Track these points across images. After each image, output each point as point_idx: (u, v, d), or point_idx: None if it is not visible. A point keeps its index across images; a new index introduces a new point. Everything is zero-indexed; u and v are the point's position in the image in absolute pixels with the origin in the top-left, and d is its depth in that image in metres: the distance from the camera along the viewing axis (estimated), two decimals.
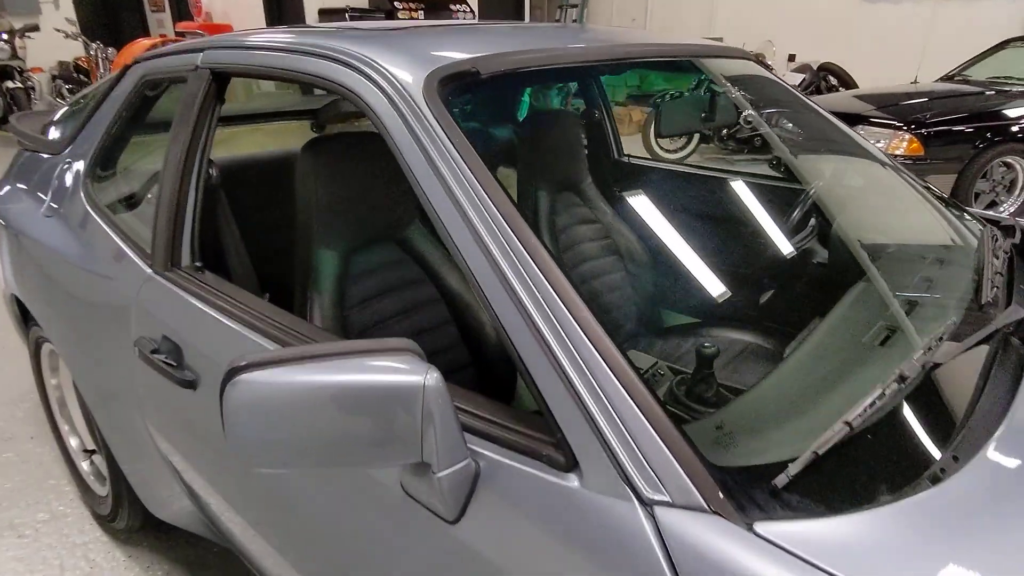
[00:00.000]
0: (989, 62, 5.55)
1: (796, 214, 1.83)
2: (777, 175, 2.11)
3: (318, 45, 1.09)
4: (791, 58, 8.16)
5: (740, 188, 2.24)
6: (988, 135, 4.44)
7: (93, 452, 1.97)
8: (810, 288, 1.93)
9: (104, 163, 1.67)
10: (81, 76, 8.42)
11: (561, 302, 0.76)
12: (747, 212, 2.11)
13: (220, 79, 1.33)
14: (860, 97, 5.22)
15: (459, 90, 0.97)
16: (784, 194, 2.09)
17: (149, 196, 1.45)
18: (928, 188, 1.65)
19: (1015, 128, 4.48)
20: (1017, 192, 4.67)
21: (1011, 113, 4.52)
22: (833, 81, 7.08)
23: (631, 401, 0.68)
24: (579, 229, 2.11)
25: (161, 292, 1.27)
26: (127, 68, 1.65)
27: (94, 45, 7.87)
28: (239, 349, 1.09)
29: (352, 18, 10.07)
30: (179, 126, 1.34)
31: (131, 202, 1.55)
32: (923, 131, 4.41)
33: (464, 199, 0.85)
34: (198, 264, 1.29)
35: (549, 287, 0.77)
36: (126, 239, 1.43)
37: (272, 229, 1.96)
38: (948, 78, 5.75)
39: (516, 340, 0.77)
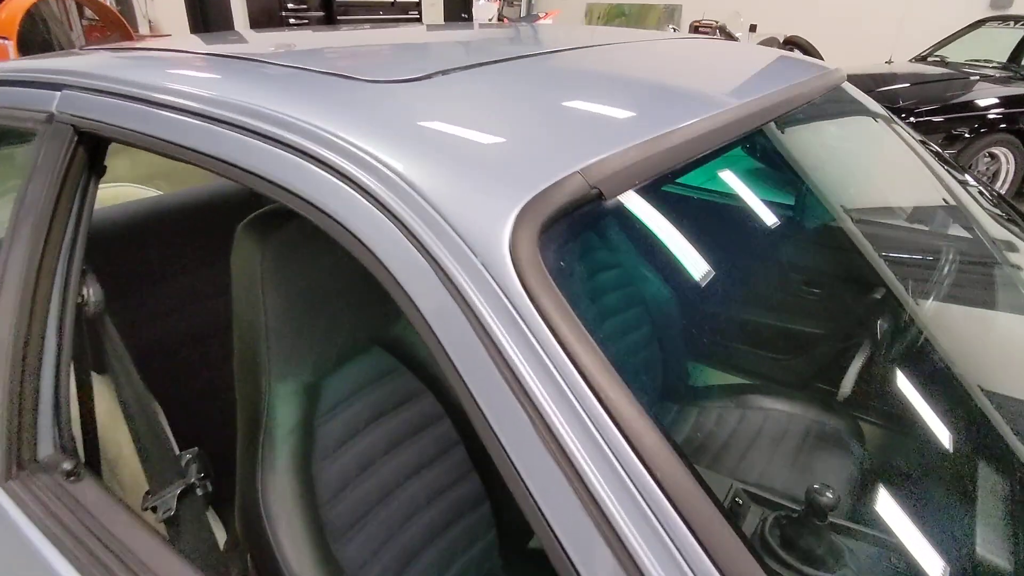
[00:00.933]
0: (964, 42, 5.34)
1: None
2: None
3: (277, 122, 0.57)
4: (752, 28, 7.80)
5: (792, 223, 1.83)
6: (976, 125, 4.22)
7: None
8: (893, 364, 1.56)
9: None
10: None
11: None
12: (814, 258, 1.71)
13: (92, 141, 0.79)
14: None
15: (570, 236, 0.49)
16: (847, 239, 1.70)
17: None
18: None
19: (1002, 117, 4.26)
20: (1000, 183, 4.50)
21: (998, 101, 4.30)
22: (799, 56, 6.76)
23: None
24: (600, 278, 1.67)
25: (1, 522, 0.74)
26: None
27: None
28: None
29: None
30: (24, 215, 0.80)
31: None
32: (913, 120, 4.13)
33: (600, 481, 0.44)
34: (67, 467, 0.76)
35: None
36: None
37: (195, 315, 1.42)
38: (922, 58, 5.52)
39: None
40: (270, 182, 0.55)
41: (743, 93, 0.79)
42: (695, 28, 7.43)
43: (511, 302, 0.43)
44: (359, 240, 0.49)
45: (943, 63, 5.22)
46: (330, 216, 0.51)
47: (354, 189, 0.50)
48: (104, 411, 1.10)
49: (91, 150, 0.79)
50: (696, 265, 1.09)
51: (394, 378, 1.13)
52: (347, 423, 1.04)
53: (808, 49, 6.76)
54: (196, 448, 1.01)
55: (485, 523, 1.19)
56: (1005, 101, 4.29)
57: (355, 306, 1.01)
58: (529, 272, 0.43)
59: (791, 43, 6.84)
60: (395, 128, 0.55)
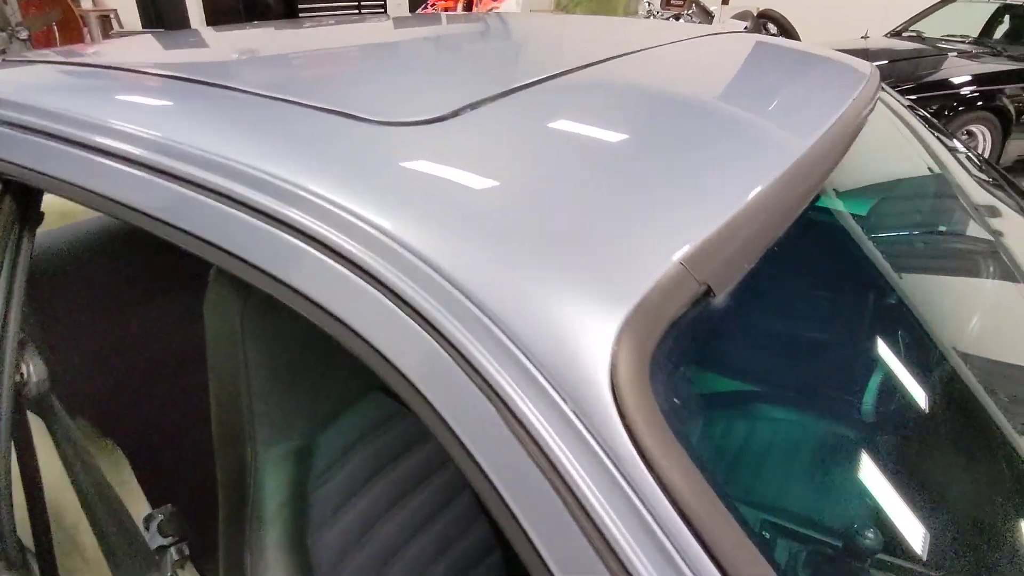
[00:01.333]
0: (939, 17, 5.30)
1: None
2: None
3: (264, 188, 0.43)
4: (725, 2, 7.64)
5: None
6: (954, 103, 4.19)
7: None
8: (924, 375, 1.49)
9: None
10: None
11: None
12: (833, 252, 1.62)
13: (22, 186, 0.64)
14: None
15: (681, 358, 0.37)
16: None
17: None
18: None
19: (980, 95, 4.24)
20: None
21: (975, 78, 4.27)
22: (773, 30, 6.65)
23: None
24: (717, 412, 1.56)
25: None
26: None
27: None
28: None
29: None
30: None
31: None
32: None
33: None
34: None
35: None
36: None
37: (161, 347, 1.27)
38: (896, 33, 5.47)
39: None
40: (256, 268, 0.41)
41: (817, 119, 0.66)
42: (666, 2, 7.26)
43: (622, 473, 0.30)
44: (391, 363, 0.36)
45: (919, 38, 5.18)
46: (343, 323, 0.38)
47: (380, 291, 0.37)
48: (57, 475, 0.96)
49: (21, 196, 0.64)
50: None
51: (395, 424, 1.01)
52: (345, 483, 0.92)
53: (784, 24, 6.65)
54: (168, 506, 0.88)
55: (495, 573, 1.10)
56: (982, 78, 4.26)
57: (350, 356, 0.89)
58: (642, 423, 0.31)
59: (765, 17, 6.73)
60: (429, 201, 0.41)
